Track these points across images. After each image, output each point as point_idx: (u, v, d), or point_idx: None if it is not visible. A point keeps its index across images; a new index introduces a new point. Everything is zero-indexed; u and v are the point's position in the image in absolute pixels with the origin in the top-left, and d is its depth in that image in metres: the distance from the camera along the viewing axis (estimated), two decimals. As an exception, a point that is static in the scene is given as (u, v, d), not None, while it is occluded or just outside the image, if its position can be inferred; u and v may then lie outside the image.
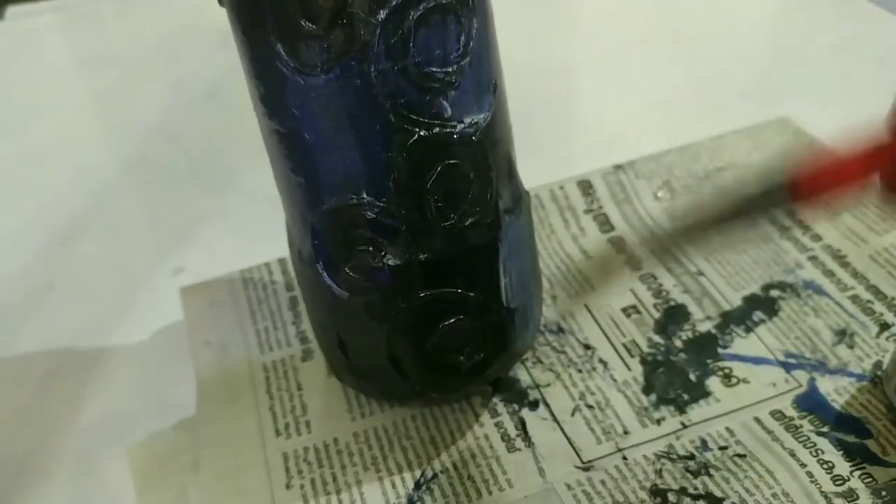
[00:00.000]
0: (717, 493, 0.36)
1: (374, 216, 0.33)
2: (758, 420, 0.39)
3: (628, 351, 0.43)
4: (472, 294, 0.35)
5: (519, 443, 0.39)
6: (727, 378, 0.41)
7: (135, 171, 0.60)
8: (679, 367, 0.42)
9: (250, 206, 0.55)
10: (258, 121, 0.35)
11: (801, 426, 0.39)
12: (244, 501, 0.38)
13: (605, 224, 0.51)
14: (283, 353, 0.44)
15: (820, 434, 0.38)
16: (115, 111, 0.67)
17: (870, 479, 0.36)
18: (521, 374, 0.42)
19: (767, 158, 0.54)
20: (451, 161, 0.33)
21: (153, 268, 0.51)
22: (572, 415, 0.40)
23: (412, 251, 0.34)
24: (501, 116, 0.35)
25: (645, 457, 0.38)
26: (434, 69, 0.31)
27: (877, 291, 0.45)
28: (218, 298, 0.47)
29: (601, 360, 0.43)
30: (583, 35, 0.75)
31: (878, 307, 0.44)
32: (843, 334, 0.43)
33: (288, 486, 0.38)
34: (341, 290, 0.36)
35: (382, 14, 0.30)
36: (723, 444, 0.38)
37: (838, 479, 0.36)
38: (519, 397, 0.41)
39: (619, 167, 0.54)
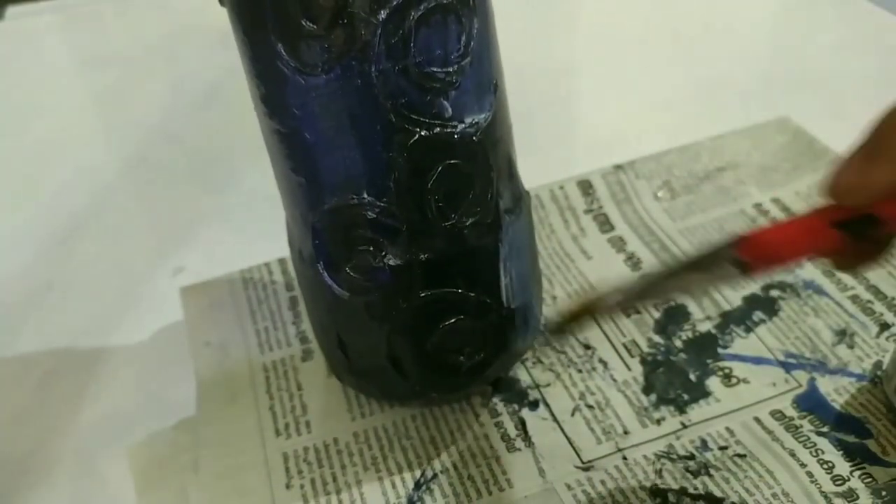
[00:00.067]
0: (717, 493, 0.36)
1: (374, 216, 0.33)
2: (758, 420, 0.39)
3: (628, 351, 0.43)
4: (472, 294, 0.35)
5: (519, 443, 0.39)
6: (727, 378, 0.41)
7: (135, 171, 0.60)
8: (679, 367, 0.42)
9: (250, 207, 0.55)
10: (259, 120, 0.35)
11: (801, 426, 0.39)
12: (244, 501, 0.38)
13: (605, 224, 0.51)
14: (283, 353, 0.44)
15: (820, 434, 0.38)
16: (115, 111, 0.67)
17: (870, 479, 0.36)
18: (521, 374, 0.42)
19: (767, 157, 0.54)
20: (452, 161, 0.33)
21: (153, 268, 0.51)
22: (572, 415, 0.40)
23: (413, 251, 0.34)
24: (502, 116, 0.35)
25: (645, 457, 0.38)
26: (435, 69, 0.31)
27: (877, 291, 0.45)
28: (218, 298, 0.47)
29: (601, 360, 0.43)
30: (583, 35, 0.75)
31: (878, 307, 0.44)
32: (843, 334, 0.43)
33: (288, 486, 0.38)
34: (342, 290, 0.36)
35: (383, 14, 0.30)
36: (723, 444, 0.38)
37: (838, 479, 0.36)
38: (519, 397, 0.41)
39: (619, 167, 0.54)
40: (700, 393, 0.41)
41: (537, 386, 0.42)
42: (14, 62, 0.72)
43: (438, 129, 0.32)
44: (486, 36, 0.33)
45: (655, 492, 0.37)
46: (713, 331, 0.44)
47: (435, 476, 0.38)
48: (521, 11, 0.71)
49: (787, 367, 0.42)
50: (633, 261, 0.48)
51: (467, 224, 0.34)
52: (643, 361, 0.43)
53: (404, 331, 0.36)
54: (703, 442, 0.39)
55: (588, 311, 0.33)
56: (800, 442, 0.38)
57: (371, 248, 0.34)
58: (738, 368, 0.42)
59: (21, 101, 0.68)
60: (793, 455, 0.38)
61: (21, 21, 0.78)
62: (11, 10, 0.79)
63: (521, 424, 0.40)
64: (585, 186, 0.53)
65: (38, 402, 0.44)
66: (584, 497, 0.37)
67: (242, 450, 0.40)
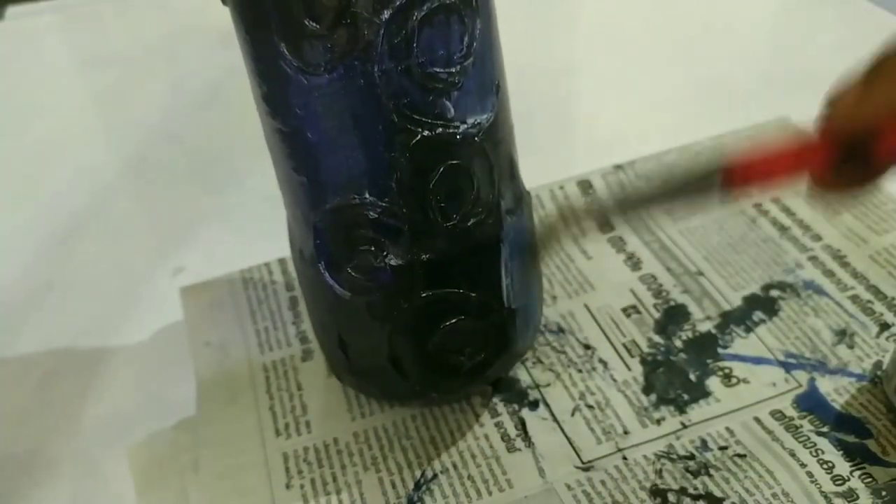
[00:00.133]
0: (717, 493, 0.37)
1: (376, 216, 0.33)
2: (758, 420, 0.39)
3: (628, 351, 0.43)
4: (473, 294, 0.35)
5: (519, 443, 0.39)
6: (727, 378, 0.41)
7: (135, 170, 0.60)
8: (679, 367, 0.42)
9: (250, 207, 0.55)
10: (261, 120, 0.35)
11: (801, 426, 0.39)
12: (244, 501, 0.38)
13: (604, 224, 0.51)
14: (283, 353, 0.44)
15: (820, 434, 0.38)
16: (115, 111, 0.67)
17: (870, 479, 0.36)
18: (522, 375, 0.42)
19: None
20: (454, 161, 0.33)
21: (153, 268, 0.51)
22: (572, 415, 0.40)
23: (414, 251, 0.34)
24: (504, 117, 0.35)
25: (645, 457, 0.38)
26: (437, 69, 0.31)
27: (877, 291, 0.45)
28: (218, 298, 0.47)
29: (601, 360, 0.43)
30: (583, 35, 0.75)
31: (878, 307, 0.44)
32: (843, 334, 0.43)
33: (288, 486, 0.38)
34: (343, 290, 0.36)
35: (386, 14, 0.30)
36: (723, 444, 0.39)
37: (838, 479, 0.37)
38: (519, 397, 0.41)
39: (618, 167, 0.54)
40: (700, 393, 0.41)
41: (537, 386, 0.42)
42: (14, 62, 0.72)
43: (441, 129, 0.32)
44: (489, 36, 0.33)
45: (655, 492, 0.37)
46: (713, 331, 0.44)
47: (435, 476, 0.38)
48: (522, 12, 0.71)
49: (787, 367, 0.42)
50: (632, 261, 0.48)
51: (469, 224, 0.34)
52: (643, 361, 0.43)
53: (405, 331, 0.36)
54: (703, 442, 0.39)
55: (566, 219, 0.33)
56: (800, 442, 0.38)
57: (372, 248, 0.34)
58: (738, 368, 0.42)
59: (21, 101, 0.68)
60: (793, 455, 0.38)
61: (21, 21, 0.78)
62: (11, 10, 0.78)
63: (521, 424, 0.40)
64: (585, 186, 0.53)
65: (39, 402, 0.44)
66: (584, 497, 0.37)
67: (242, 450, 0.40)
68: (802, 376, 0.41)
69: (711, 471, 0.37)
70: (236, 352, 0.45)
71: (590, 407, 0.41)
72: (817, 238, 0.48)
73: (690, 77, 0.65)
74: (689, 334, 0.44)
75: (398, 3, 0.30)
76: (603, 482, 0.37)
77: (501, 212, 0.35)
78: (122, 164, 0.61)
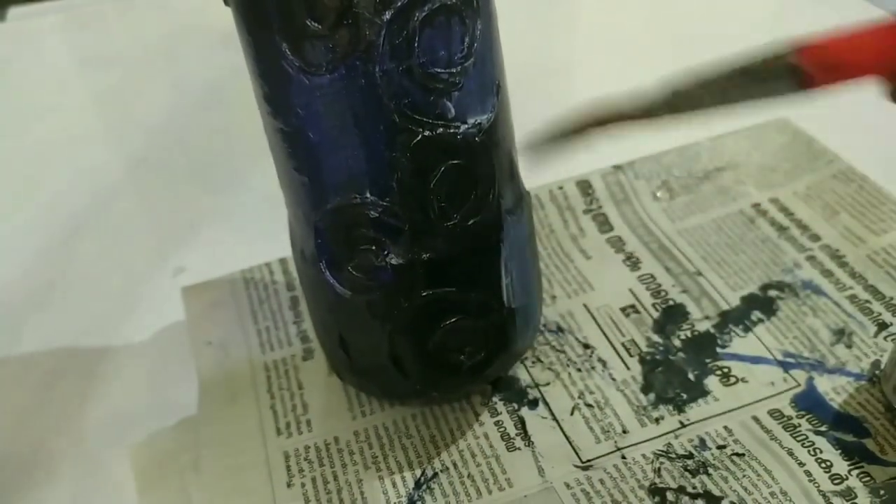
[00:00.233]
0: (716, 492, 0.37)
1: (377, 215, 0.33)
2: (756, 419, 0.40)
3: (627, 350, 0.43)
4: (473, 294, 0.36)
5: (518, 442, 0.40)
6: (725, 377, 0.42)
7: (136, 171, 0.61)
8: (678, 366, 0.42)
9: (251, 206, 0.55)
10: (262, 119, 0.35)
11: (800, 425, 0.39)
12: (245, 500, 0.38)
13: (604, 224, 0.51)
14: (284, 353, 0.44)
15: (818, 433, 0.39)
16: (117, 111, 0.67)
17: (868, 478, 0.37)
18: (521, 374, 0.43)
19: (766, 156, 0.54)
20: (455, 161, 0.33)
21: (154, 268, 0.51)
22: (571, 414, 0.41)
23: (415, 251, 0.34)
24: (504, 117, 0.35)
25: (644, 456, 0.39)
26: (438, 70, 0.32)
27: (875, 291, 0.45)
28: (219, 298, 0.48)
29: (600, 360, 0.43)
30: (582, 35, 0.75)
31: (877, 307, 0.44)
32: (841, 334, 0.43)
33: (289, 485, 0.38)
34: (344, 289, 0.36)
35: (388, 15, 0.30)
36: (721, 443, 0.39)
37: (836, 478, 0.37)
38: (518, 396, 0.42)
39: (618, 167, 0.54)
40: (699, 392, 0.41)
41: (537, 385, 0.42)
42: (16, 63, 0.73)
43: (441, 129, 0.32)
44: (489, 37, 0.34)
45: (654, 491, 0.37)
46: (712, 330, 0.44)
47: (435, 475, 0.38)
48: (522, 12, 0.71)
49: (785, 366, 0.42)
50: (631, 260, 0.48)
51: (469, 224, 0.34)
52: (642, 361, 0.43)
53: (406, 330, 0.36)
54: (702, 441, 0.39)
55: (600, 121, 0.29)
56: (798, 441, 0.38)
57: (373, 248, 0.34)
58: (737, 368, 0.42)
59: (23, 102, 0.68)
60: (791, 454, 0.38)
61: (23, 22, 0.78)
62: (13, 11, 0.79)
63: (521, 423, 0.40)
64: (585, 186, 0.53)
65: (40, 402, 0.44)
66: (584, 496, 0.37)
67: (243, 449, 0.40)
68: (801, 376, 0.41)
69: (710, 470, 0.38)
70: (237, 351, 0.45)
71: (589, 406, 0.41)
72: (815, 238, 0.48)
73: (690, 78, 0.65)
74: (688, 334, 0.44)
75: (399, 3, 0.30)
76: (602, 481, 0.38)
77: (501, 211, 0.35)
78: (124, 164, 0.61)
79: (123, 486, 0.39)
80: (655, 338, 0.44)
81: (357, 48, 0.30)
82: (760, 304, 0.45)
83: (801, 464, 0.37)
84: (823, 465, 0.37)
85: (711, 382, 0.41)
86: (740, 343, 0.43)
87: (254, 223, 0.53)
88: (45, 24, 0.78)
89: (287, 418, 0.41)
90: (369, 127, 0.32)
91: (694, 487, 0.37)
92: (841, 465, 0.37)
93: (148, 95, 0.68)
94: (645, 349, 0.43)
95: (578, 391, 0.42)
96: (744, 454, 0.38)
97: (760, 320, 0.44)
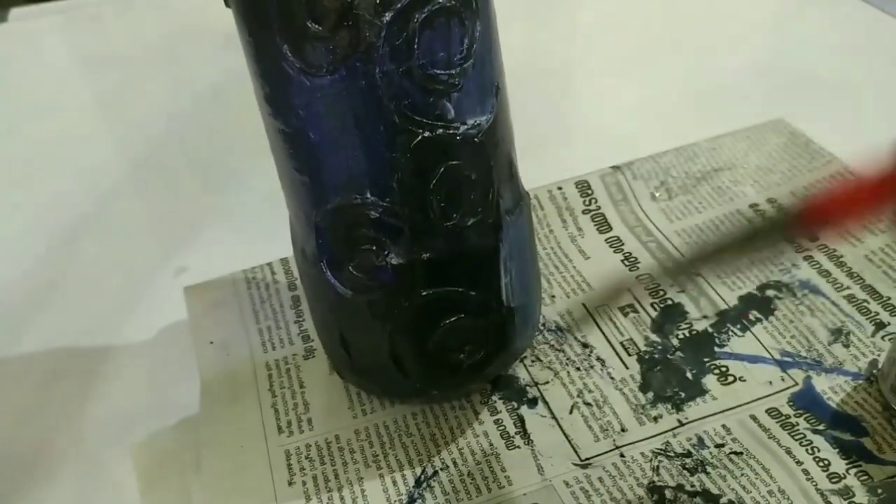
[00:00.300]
0: (714, 491, 0.37)
1: (377, 216, 0.34)
2: (754, 418, 0.40)
3: (626, 349, 0.44)
4: (473, 293, 0.36)
5: (518, 440, 0.40)
6: (723, 376, 0.42)
7: (137, 171, 0.61)
8: (676, 365, 0.43)
9: (253, 207, 0.55)
10: (263, 120, 0.35)
11: (797, 424, 0.39)
12: (247, 499, 0.38)
13: (602, 224, 0.51)
14: (285, 352, 0.45)
15: (816, 432, 0.39)
16: (118, 112, 0.67)
17: (866, 477, 0.37)
18: (521, 372, 0.43)
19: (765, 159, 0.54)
20: (454, 162, 0.33)
21: (156, 268, 0.51)
22: (570, 412, 0.41)
23: (415, 250, 0.34)
24: (503, 118, 0.35)
25: (642, 454, 0.39)
26: (438, 71, 0.32)
27: (872, 291, 0.45)
28: (221, 298, 0.48)
29: (599, 359, 0.43)
30: (582, 36, 0.75)
31: (874, 307, 0.44)
32: (838, 333, 0.43)
33: (290, 483, 0.39)
34: (344, 289, 0.36)
35: (387, 16, 0.30)
36: (719, 441, 0.39)
37: (834, 477, 0.37)
38: (518, 395, 0.42)
39: (616, 168, 0.54)
40: (697, 391, 0.41)
41: (536, 384, 0.42)
42: (17, 63, 0.73)
43: (441, 130, 0.33)
44: (489, 38, 0.34)
45: (652, 489, 0.37)
46: (710, 329, 0.44)
47: (435, 473, 0.39)
48: (522, 12, 0.72)
49: (783, 365, 0.42)
50: (630, 260, 0.49)
51: (468, 224, 0.35)
52: (640, 360, 0.43)
53: (406, 329, 0.36)
54: (700, 439, 0.39)
55: (618, 294, 0.32)
56: (796, 440, 0.39)
57: (373, 248, 0.34)
58: (735, 367, 0.42)
59: (24, 102, 0.68)
60: (789, 453, 0.38)
61: (24, 22, 0.78)
62: (14, 12, 0.79)
63: (520, 422, 0.41)
64: (584, 187, 0.53)
65: (42, 402, 0.44)
66: (583, 494, 0.37)
67: (245, 448, 0.40)
68: (798, 375, 0.41)
69: (708, 468, 0.38)
70: (239, 351, 0.45)
71: (588, 405, 0.41)
72: (813, 238, 0.48)
73: (688, 78, 0.65)
74: (686, 333, 0.44)
75: (399, 5, 0.30)
76: (601, 479, 0.38)
77: (501, 212, 0.36)
78: (125, 164, 0.62)
79: (124, 486, 0.39)
80: (654, 337, 0.44)
81: (357, 49, 0.31)
82: (758, 304, 0.45)
83: (799, 462, 0.38)
84: (821, 463, 0.37)
85: (709, 381, 0.42)
86: (738, 342, 0.43)
87: (255, 223, 0.53)
88: (46, 25, 0.78)
89: (288, 417, 0.41)
90: (369, 128, 0.32)
91: (692, 486, 0.37)
92: (839, 464, 0.37)
93: (149, 96, 0.68)
94: (643, 348, 0.44)
95: (577, 390, 0.42)
96: (742, 453, 0.38)
97: (758, 320, 0.44)
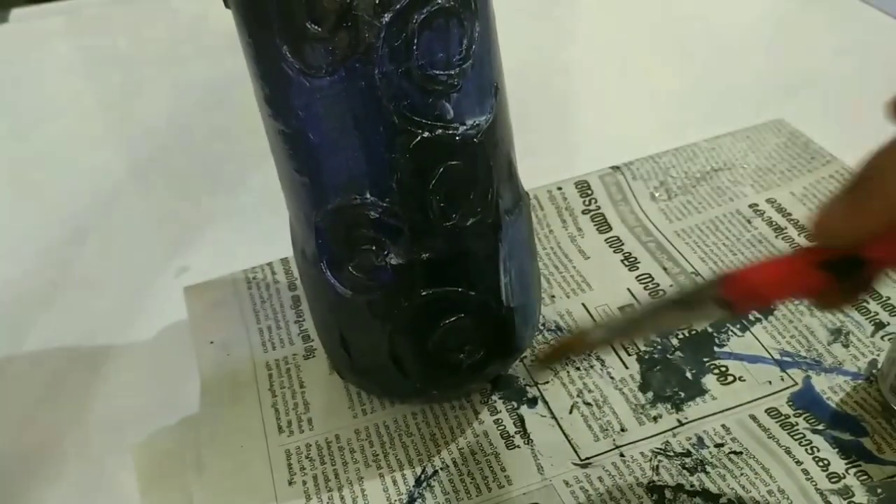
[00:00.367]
0: (714, 490, 0.37)
1: (377, 216, 0.34)
2: (753, 418, 0.40)
3: (625, 349, 0.44)
4: (472, 293, 0.36)
5: (518, 440, 0.40)
6: (723, 376, 0.42)
7: (139, 171, 0.61)
8: (675, 365, 0.43)
9: (254, 207, 0.55)
10: (263, 121, 0.35)
11: (797, 424, 0.39)
12: (247, 498, 0.38)
13: (602, 224, 0.51)
14: (285, 352, 0.45)
15: (815, 432, 0.39)
16: (118, 112, 0.67)
17: (865, 477, 0.37)
18: (520, 372, 0.43)
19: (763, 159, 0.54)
20: (453, 162, 0.33)
21: (157, 268, 0.51)
22: (570, 412, 0.41)
23: (414, 251, 0.34)
24: (502, 118, 0.36)
25: (642, 454, 0.39)
26: (437, 72, 0.32)
27: (872, 291, 0.45)
28: (221, 298, 0.48)
29: (599, 358, 0.43)
30: (581, 36, 0.75)
31: (873, 306, 0.44)
32: (838, 333, 0.43)
33: (290, 483, 0.39)
34: (344, 289, 0.36)
35: (387, 17, 0.30)
36: (719, 441, 0.39)
37: (834, 477, 0.37)
38: (518, 395, 0.42)
39: (616, 168, 0.54)
40: (696, 391, 0.41)
41: (536, 384, 0.42)
42: (19, 64, 0.73)
43: (440, 130, 0.33)
44: (488, 39, 0.34)
45: (652, 488, 0.37)
46: (709, 329, 0.44)
47: (435, 473, 0.39)
48: (522, 12, 0.72)
49: (782, 365, 0.42)
50: (630, 261, 0.49)
51: (468, 224, 0.35)
52: (640, 359, 0.43)
53: (406, 329, 0.36)
54: (700, 439, 0.39)
55: (568, 349, 0.34)
56: (795, 439, 0.39)
57: (373, 248, 0.35)
58: (734, 367, 0.42)
59: (25, 103, 0.68)
60: (788, 453, 0.38)
61: (26, 23, 0.78)
62: (15, 13, 0.79)
63: (520, 422, 0.41)
64: (583, 187, 0.53)
65: (44, 401, 0.44)
66: (583, 494, 0.37)
67: (245, 447, 0.40)
68: (798, 374, 0.42)
69: (708, 468, 0.38)
70: (240, 350, 0.45)
71: (587, 404, 0.41)
72: (813, 238, 0.48)
73: (688, 78, 0.65)
74: (686, 333, 0.44)
75: (398, 6, 0.30)
76: (601, 479, 0.38)
77: (500, 212, 0.36)
78: (127, 164, 0.62)
79: (125, 485, 0.39)
80: (653, 337, 0.44)
81: (356, 50, 0.31)
82: (758, 304, 0.45)
83: (799, 462, 0.38)
84: (821, 463, 0.38)
85: (709, 381, 0.42)
86: (738, 342, 0.43)
87: (256, 223, 0.53)
88: (47, 26, 0.78)
89: (289, 416, 0.41)
90: (369, 128, 0.32)
91: (692, 485, 0.37)
92: (838, 464, 0.37)
93: (149, 97, 0.68)
94: (643, 348, 0.44)
95: (577, 390, 0.42)
96: (741, 452, 0.38)
97: (758, 319, 0.44)
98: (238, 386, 0.43)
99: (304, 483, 0.39)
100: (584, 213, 0.52)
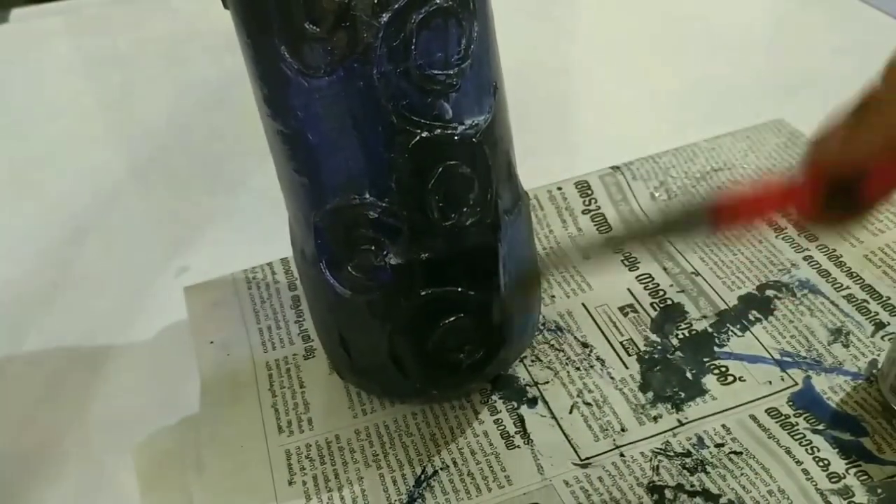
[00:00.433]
0: (714, 490, 0.37)
1: (376, 216, 0.34)
2: (754, 418, 0.40)
3: (625, 349, 0.44)
4: (472, 293, 0.36)
5: (518, 440, 0.40)
6: (723, 376, 0.42)
7: (139, 171, 0.61)
8: (676, 365, 0.43)
9: (254, 207, 0.55)
10: (262, 121, 0.35)
11: (797, 424, 0.39)
12: (247, 498, 0.38)
13: (603, 224, 0.51)
14: (285, 352, 0.45)
15: (815, 432, 0.39)
16: (118, 112, 0.68)
17: (865, 477, 0.37)
18: (520, 372, 0.43)
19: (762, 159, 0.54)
20: (452, 162, 0.33)
21: (157, 268, 0.51)
22: (570, 412, 0.41)
23: (413, 250, 0.34)
24: (501, 118, 0.36)
25: (642, 454, 0.39)
26: (435, 72, 0.32)
27: (872, 291, 0.45)
28: (221, 298, 0.48)
29: (599, 359, 0.43)
30: (581, 36, 0.75)
31: (873, 306, 0.44)
32: (838, 333, 0.43)
33: (290, 483, 0.39)
34: (343, 289, 0.36)
35: (385, 17, 0.30)
36: (719, 441, 0.39)
37: (834, 477, 0.37)
38: (518, 395, 0.42)
39: (616, 168, 0.54)
40: (696, 391, 0.41)
41: (536, 384, 0.42)
42: (18, 64, 0.73)
43: (439, 130, 0.33)
44: (486, 39, 0.34)
45: (652, 488, 0.37)
46: (709, 329, 0.44)
47: (435, 472, 0.39)
48: (521, 12, 0.72)
49: (782, 365, 0.42)
50: (630, 260, 0.49)
51: (467, 224, 0.35)
52: (640, 359, 0.43)
53: (405, 329, 0.36)
54: (700, 439, 0.39)
55: (559, 262, 0.34)
56: (795, 440, 0.39)
57: (372, 248, 0.35)
58: (734, 367, 0.42)
59: (25, 103, 0.69)
60: (788, 453, 0.38)
61: (25, 23, 0.78)
62: (15, 13, 0.79)
63: (520, 422, 0.41)
64: (583, 187, 0.53)
65: (44, 402, 0.44)
66: (583, 494, 0.37)
67: (245, 447, 0.40)
68: (798, 374, 0.41)
69: (708, 468, 0.38)
70: (239, 350, 0.45)
71: (587, 404, 0.41)
72: (812, 238, 0.48)
73: (687, 79, 0.65)
74: (686, 333, 0.44)
75: (396, 6, 0.30)
76: (601, 479, 0.38)
77: (499, 211, 0.36)
78: (127, 164, 0.62)
79: (126, 485, 0.39)
80: (653, 337, 0.44)
81: (355, 50, 0.31)
82: (758, 304, 0.45)
83: (799, 462, 0.38)
84: (821, 463, 0.37)
85: (709, 381, 0.42)
86: (738, 342, 0.43)
87: (256, 223, 0.53)
88: (47, 26, 0.78)
89: (288, 416, 0.41)
90: (368, 128, 0.32)
91: (692, 485, 0.37)
92: (838, 464, 0.37)
93: (149, 97, 0.68)
94: (643, 348, 0.44)
95: (577, 390, 0.42)
96: (741, 452, 0.38)
97: (758, 320, 0.44)
98: (238, 386, 0.43)
99: (304, 483, 0.39)
100: (584, 213, 0.52)
